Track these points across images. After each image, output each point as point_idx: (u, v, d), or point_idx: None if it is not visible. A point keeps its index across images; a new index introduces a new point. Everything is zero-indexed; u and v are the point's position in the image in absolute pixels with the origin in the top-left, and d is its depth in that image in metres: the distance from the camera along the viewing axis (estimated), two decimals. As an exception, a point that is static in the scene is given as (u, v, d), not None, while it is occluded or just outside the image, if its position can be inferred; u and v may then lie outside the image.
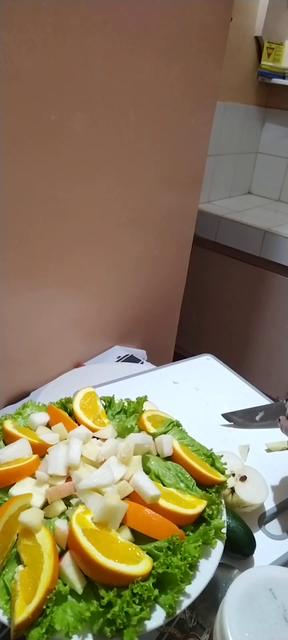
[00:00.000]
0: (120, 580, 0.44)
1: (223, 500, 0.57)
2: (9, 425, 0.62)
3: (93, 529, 0.47)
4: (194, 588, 0.46)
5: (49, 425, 0.65)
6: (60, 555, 0.47)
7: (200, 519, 0.53)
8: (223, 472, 0.60)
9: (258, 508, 0.65)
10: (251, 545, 0.59)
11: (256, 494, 0.64)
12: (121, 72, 0.86)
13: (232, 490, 0.63)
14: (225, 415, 0.83)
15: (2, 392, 0.88)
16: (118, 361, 1.08)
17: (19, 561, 0.46)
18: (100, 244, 0.98)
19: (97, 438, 0.62)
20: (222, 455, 0.63)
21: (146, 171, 1.02)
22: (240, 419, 0.82)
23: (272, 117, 2.09)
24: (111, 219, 0.98)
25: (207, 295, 1.93)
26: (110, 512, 0.48)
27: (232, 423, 0.82)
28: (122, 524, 0.50)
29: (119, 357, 1.10)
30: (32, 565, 0.45)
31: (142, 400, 0.71)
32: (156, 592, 0.44)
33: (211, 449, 0.64)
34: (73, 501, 0.53)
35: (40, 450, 0.59)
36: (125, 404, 0.72)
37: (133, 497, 0.53)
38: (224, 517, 0.54)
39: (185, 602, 0.45)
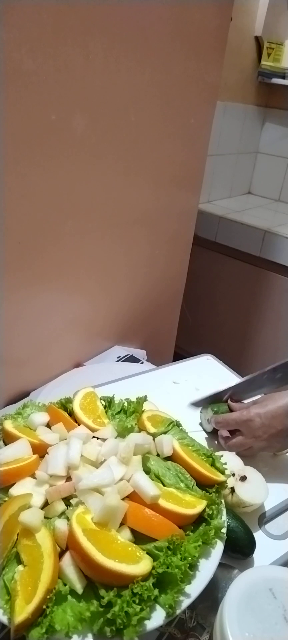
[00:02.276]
0: (120, 580, 0.44)
1: (223, 500, 0.57)
2: (9, 425, 0.62)
3: (93, 529, 0.47)
4: (194, 588, 0.46)
5: (49, 425, 0.65)
6: (60, 555, 0.47)
7: (200, 519, 0.53)
8: (223, 472, 0.60)
9: (258, 508, 0.65)
10: (251, 545, 0.59)
11: (256, 494, 0.64)
12: (121, 72, 0.86)
13: (232, 490, 0.63)
14: (194, 403, 0.82)
15: (2, 392, 0.88)
16: (118, 361, 1.08)
17: (19, 561, 0.46)
18: (100, 244, 0.98)
19: (97, 438, 0.62)
20: (222, 455, 0.63)
21: (146, 171, 1.02)
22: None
23: (272, 117, 2.09)
24: (111, 219, 0.98)
25: (207, 295, 1.93)
26: (110, 512, 0.48)
27: (201, 407, 0.82)
28: (122, 524, 0.50)
29: (119, 357, 1.10)
30: (32, 565, 0.45)
31: (142, 400, 0.71)
32: (156, 592, 0.44)
33: (211, 449, 0.64)
34: (73, 501, 0.53)
35: (40, 450, 0.59)
36: (125, 404, 0.72)
37: (133, 497, 0.53)
38: (224, 517, 0.54)
39: (185, 602, 0.45)
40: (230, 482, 0.63)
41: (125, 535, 0.49)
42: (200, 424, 0.82)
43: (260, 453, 0.74)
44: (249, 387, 0.80)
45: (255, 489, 0.64)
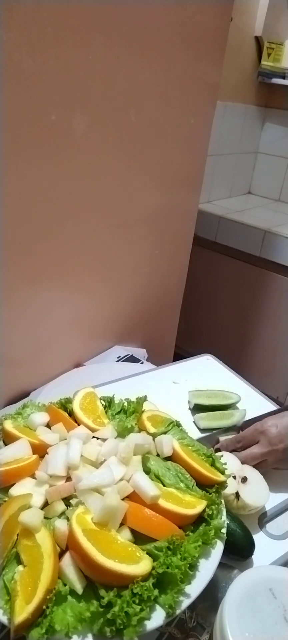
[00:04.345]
0: (120, 580, 0.44)
1: (223, 500, 0.57)
2: (9, 425, 0.62)
3: (93, 529, 0.47)
4: (194, 588, 0.46)
5: (49, 425, 0.65)
6: (60, 555, 0.47)
7: (200, 519, 0.53)
8: (223, 472, 0.60)
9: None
10: (249, 547, 0.59)
11: (259, 495, 0.64)
12: (121, 72, 0.85)
13: (237, 495, 0.63)
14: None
15: (2, 392, 0.88)
16: (118, 361, 1.08)
17: (19, 561, 0.46)
18: (101, 243, 0.98)
19: (97, 438, 0.62)
20: (222, 455, 0.63)
21: (146, 171, 1.02)
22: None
23: (272, 117, 2.09)
24: (111, 219, 0.98)
25: (207, 295, 1.93)
26: (110, 512, 0.48)
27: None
28: (122, 524, 0.50)
29: (119, 357, 1.10)
30: (32, 566, 0.45)
31: (142, 400, 0.71)
32: (156, 592, 0.44)
33: (211, 449, 0.63)
34: (73, 501, 0.53)
35: (40, 450, 0.59)
36: (125, 404, 0.72)
37: (133, 497, 0.52)
38: (224, 517, 0.54)
39: (185, 602, 0.45)
40: (233, 486, 0.63)
41: (125, 536, 0.49)
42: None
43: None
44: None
45: (257, 489, 0.64)
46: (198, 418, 0.82)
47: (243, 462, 0.69)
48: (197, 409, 0.84)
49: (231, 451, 0.72)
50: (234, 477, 0.64)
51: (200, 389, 0.89)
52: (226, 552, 0.52)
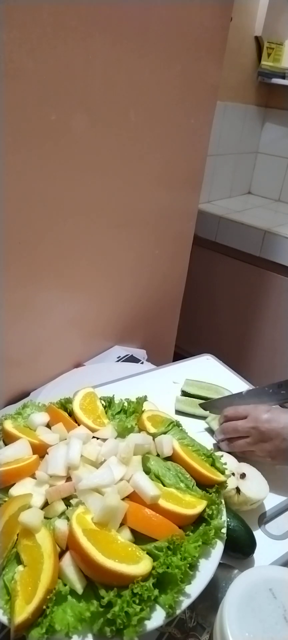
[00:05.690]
0: (120, 580, 0.44)
1: (223, 500, 0.57)
2: (9, 425, 0.62)
3: (93, 529, 0.47)
4: (194, 588, 0.46)
5: (49, 426, 0.65)
6: (60, 555, 0.47)
7: (200, 519, 0.53)
8: (223, 472, 0.60)
9: (258, 508, 0.66)
10: (251, 544, 0.59)
11: (259, 489, 0.64)
12: (121, 72, 0.86)
13: (238, 490, 0.63)
14: (202, 405, 0.83)
15: (2, 392, 0.88)
16: (118, 361, 1.08)
17: (19, 561, 0.47)
18: (101, 243, 0.98)
19: (97, 438, 0.62)
20: (222, 455, 0.63)
21: (146, 171, 1.02)
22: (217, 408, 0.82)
23: (272, 117, 2.09)
24: (111, 219, 0.98)
25: (207, 295, 1.93)
26: (110, 512, 0.48)
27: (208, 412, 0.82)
28: (122, 524, 0.50)
29: (119, 357, 1.10)
30: (32, 566, 0.45)
31: (142, 400, 0.71)
32: (156, 592, 0.44)
33: (211, 449, 0.64)
34: (73, 501, 0.53)
35: (40, 450, 0.59)
36: (125, 404, 0.72)
37: (133, 497, 0.53)
38: (224, 517, 0.54)
39: (185, 602, 0.45)
40: (233, 482, 0.63)
41: (125, 536, 0.49)
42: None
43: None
44: (254, 399, 0.80)
45: (257, 484, 0.65)
46: (176, 400, 0.85)
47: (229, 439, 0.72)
48: (185, 395, 0.88)
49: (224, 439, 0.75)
50: (233, 474, 0.65)
51: (198, 380, 0.91)
52: (228, 549, 0.52)
